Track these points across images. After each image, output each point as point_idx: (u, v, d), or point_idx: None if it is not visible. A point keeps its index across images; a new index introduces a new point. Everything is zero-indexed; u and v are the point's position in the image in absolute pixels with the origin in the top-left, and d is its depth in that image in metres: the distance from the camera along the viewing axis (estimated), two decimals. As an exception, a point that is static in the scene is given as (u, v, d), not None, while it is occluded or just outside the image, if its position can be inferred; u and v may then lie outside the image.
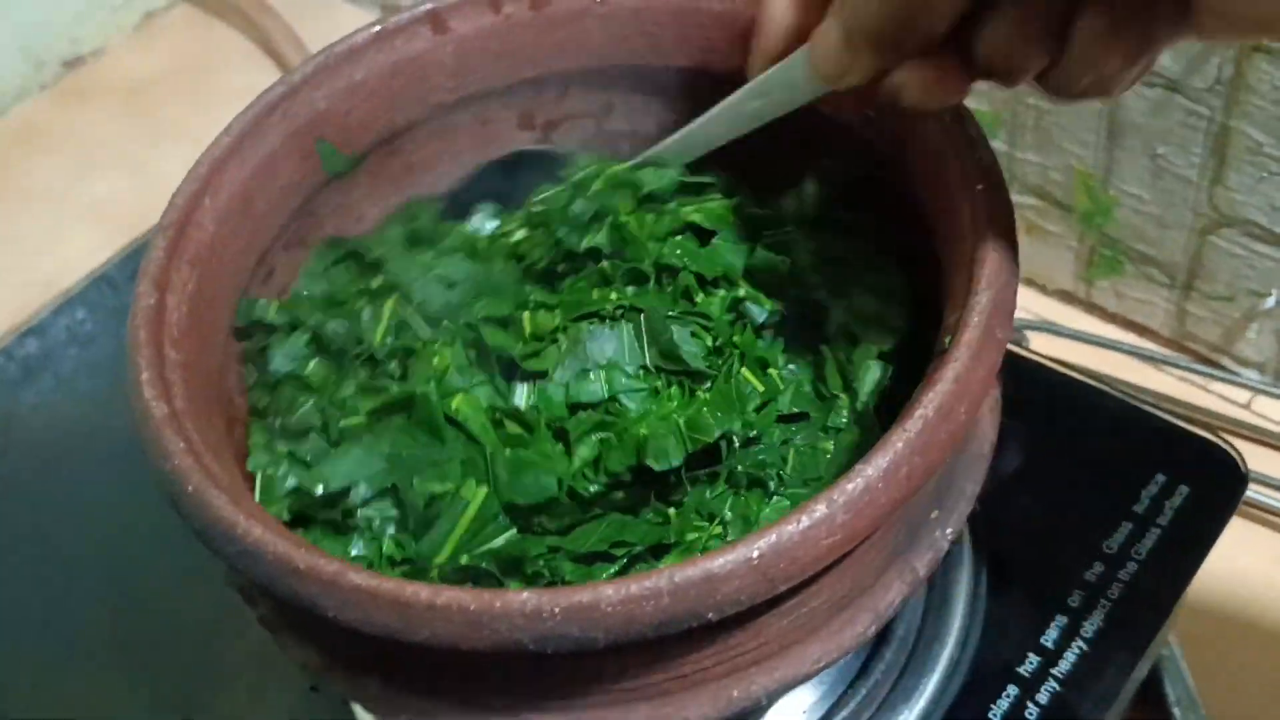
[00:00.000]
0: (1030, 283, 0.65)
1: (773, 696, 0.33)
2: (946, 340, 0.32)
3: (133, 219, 0.69)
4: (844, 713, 0.41)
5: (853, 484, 0.29)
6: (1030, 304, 0.65)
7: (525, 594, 0.28)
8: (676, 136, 0.41)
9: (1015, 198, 0.62)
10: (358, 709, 0.44)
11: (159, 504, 0.31)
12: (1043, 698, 0.41)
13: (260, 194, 0.39)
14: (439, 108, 0.43)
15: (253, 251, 0.39)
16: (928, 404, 0.30)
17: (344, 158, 0.41)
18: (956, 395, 0.31)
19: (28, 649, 0.51)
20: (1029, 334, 0.62)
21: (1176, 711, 0.48)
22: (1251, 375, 0.60)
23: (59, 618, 0.51)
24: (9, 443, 0.60)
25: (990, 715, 0.41)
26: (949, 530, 0.35)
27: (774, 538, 0.28)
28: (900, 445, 0.30)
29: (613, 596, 0.28)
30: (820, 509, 0.29)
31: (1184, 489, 0.46)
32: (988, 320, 0.31)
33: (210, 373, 0.36)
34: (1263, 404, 0.60)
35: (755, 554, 0.28)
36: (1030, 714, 0.41)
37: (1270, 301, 0.57)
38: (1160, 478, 0.46)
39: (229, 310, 0.38)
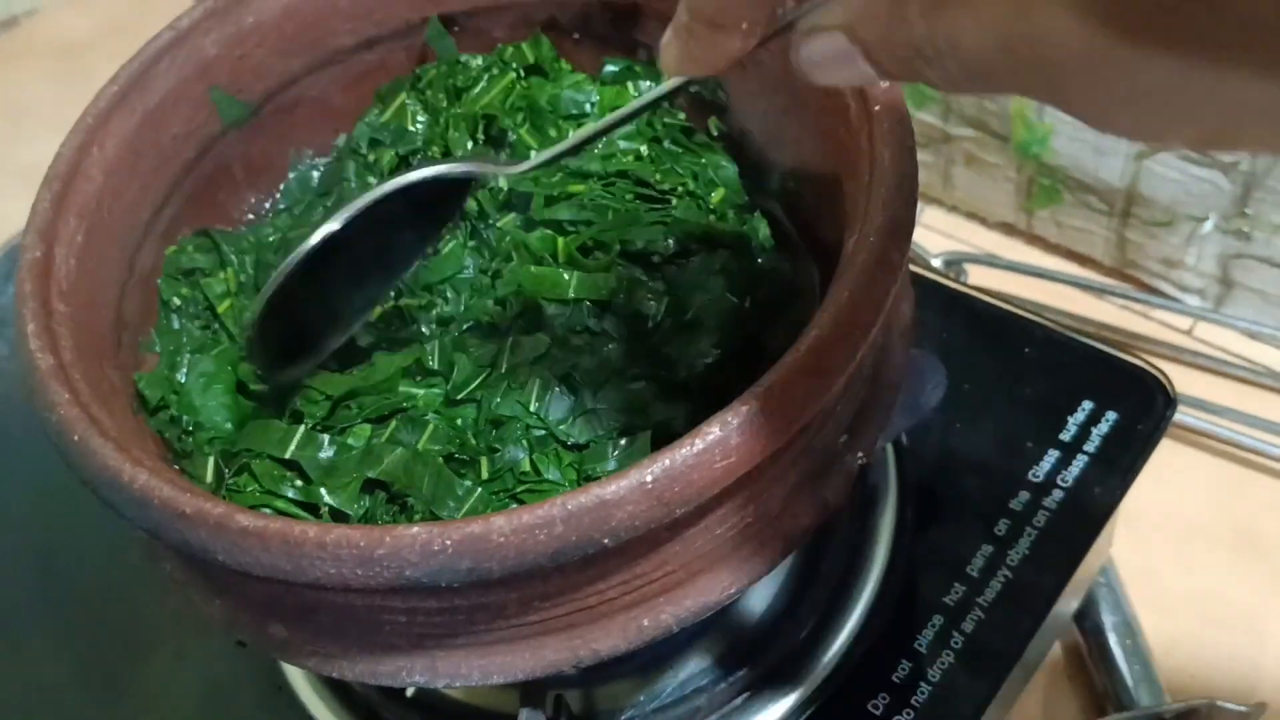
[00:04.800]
0: (972, 215, 0.65)
1: (684, 625, 0.33)
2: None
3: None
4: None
5: (747, 405, 0.29)
6: (971, 236, 0.65)
7: (415, 528, 0.28)
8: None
9: (953, 130, 0.62)
10: (285, 665, 0.44)
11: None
12: (968, 626, 0.41)
13: (151, 144, 0.38)
14: (338, 51, 0.42)
15: (148, 202, 0.38)
16: (821, 326, 0.30)
17: (241, 105, 0.40)
18: (850, 317, 0.30)
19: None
20: (969, 267, 0.61)
21: (1112, 638, 0.48)
22: (1192, 301, 0.60)
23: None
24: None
25: (916, 646, 0.41)
26: (859, 456, 0.35)
27: (667, 461, 0.28)
28: (793, 365, 0.29)
29: (504, 527, 0.28)
30: (714, 431, 0.28)
31: (1111, 415, 0.45)
32: (881, 243, 0.31)
33: (103, 325, 0.35)
34: (1204, 330, 0.59)
35: (649, 478, 0.28)
36: (955, 643, 0.40)
37: (1208, 226, 0.56)
38: (1088, 405, 0.45)
39: (123, 262, 0.37)
